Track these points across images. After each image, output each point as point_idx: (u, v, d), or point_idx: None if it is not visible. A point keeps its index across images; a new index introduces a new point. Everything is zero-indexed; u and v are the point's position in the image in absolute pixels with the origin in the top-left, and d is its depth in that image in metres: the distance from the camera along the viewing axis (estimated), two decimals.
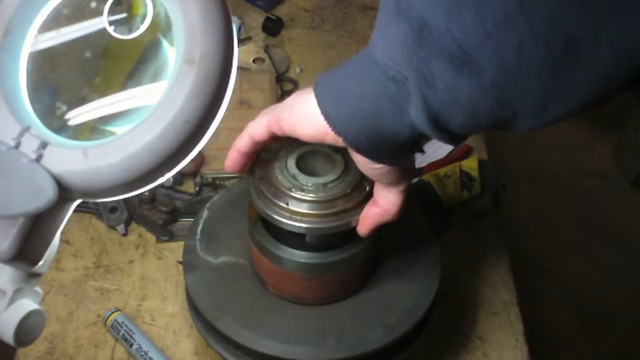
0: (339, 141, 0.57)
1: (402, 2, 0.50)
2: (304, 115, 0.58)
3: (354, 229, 0.67)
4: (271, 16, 1.23)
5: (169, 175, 0.52)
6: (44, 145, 0.51)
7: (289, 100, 0.61)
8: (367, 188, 0.67)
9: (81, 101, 0.54)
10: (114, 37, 0.54)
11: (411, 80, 0.50)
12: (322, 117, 0.56)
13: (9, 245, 0.51)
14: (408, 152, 0.59)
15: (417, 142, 0.56)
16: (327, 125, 0.56)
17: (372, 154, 0.58)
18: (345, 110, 0.55)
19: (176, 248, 0.92)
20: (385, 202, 0.64)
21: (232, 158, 0.66)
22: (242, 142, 0.65)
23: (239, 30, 1.21)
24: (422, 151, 0.61)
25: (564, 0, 0.44)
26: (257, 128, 0.63)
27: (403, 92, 0.52)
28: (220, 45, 0.51)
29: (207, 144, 0.53)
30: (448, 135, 0.53)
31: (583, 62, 0.46)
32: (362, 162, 0.59)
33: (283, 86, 1.13)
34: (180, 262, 0.89)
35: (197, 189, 0.96)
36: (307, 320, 0.72)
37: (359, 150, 0.57)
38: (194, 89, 0.50)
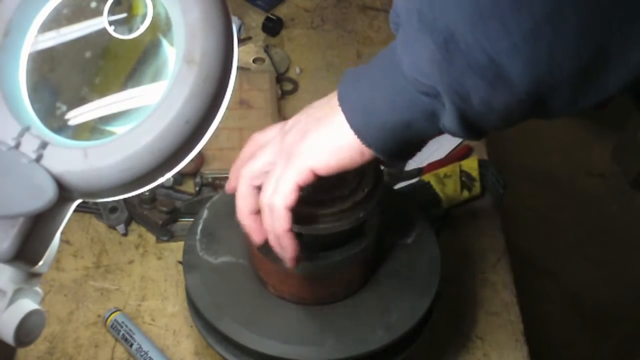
0: (371, 156, 0.56)
1: (425, 15, 0.49)
2: (345, 149, 0.56)
3: (354, 229, 0.67)
4: (271, 16, 1.23)
5: (169, 175, 0.52)
6: (44, 145, 0.51)
7: (309, 144, 0.57)
8: (367, 189, 0.67)
9: (81, 101, 0.54)
10: (114, 37, 0.54)
11: (444, 95, 0.50)
12: (352, 140, 0.55)
13: (9, 245, 0.51)
14: (424, 145, 0.59)
15: None
16: (361, 146, 0.55)
17: (400, 157, 0.58)
18: (375, 123, 0.54)
19: (176, 248, 0.92)
20: None
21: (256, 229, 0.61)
22: (284, 222, 0.58)
23: (239, 30, 1.21)
24: None
25: (594, 7, 0.44)
26: (291, 197, 0.57)
27: (436, 103, 0.51)
28: (220, 45, 0.51)
29: (207, 144, 0.53)
30: (479, 135, 0.53)
31: (613, 62, 0.46)
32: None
33: (283, 86, 1.13)
34: (180, 262, 0.89)
35: (197, 189, 0.96)
36: (307, 320, 0.72)
37: (389, 158, 0.57)
38: (194, 89, 0.50)
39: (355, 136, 0.55)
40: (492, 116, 0.50)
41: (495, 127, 0.52)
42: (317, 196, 0.66)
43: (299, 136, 0.58)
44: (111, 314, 0.84)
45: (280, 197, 0.57)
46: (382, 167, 0.70)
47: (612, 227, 2.15)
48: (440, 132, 0.54)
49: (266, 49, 1.17)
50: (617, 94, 0.48)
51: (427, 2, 0.49)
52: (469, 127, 0.52)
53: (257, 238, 0.61)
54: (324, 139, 0.56)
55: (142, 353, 0.81)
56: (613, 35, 0.45)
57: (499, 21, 0.45)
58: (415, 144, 0.57)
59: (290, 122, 0.60)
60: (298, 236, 0.68)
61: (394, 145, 0.56)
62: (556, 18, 0.44)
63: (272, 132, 0.62)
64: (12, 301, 0.55)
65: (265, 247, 0.70)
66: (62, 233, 0.55)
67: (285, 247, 0.60)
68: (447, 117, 0.51)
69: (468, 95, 0.49)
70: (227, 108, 0.53)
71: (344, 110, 0.55)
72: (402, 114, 0.53)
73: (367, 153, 0.56)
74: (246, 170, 0.60)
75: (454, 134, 0.53)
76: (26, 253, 0.52)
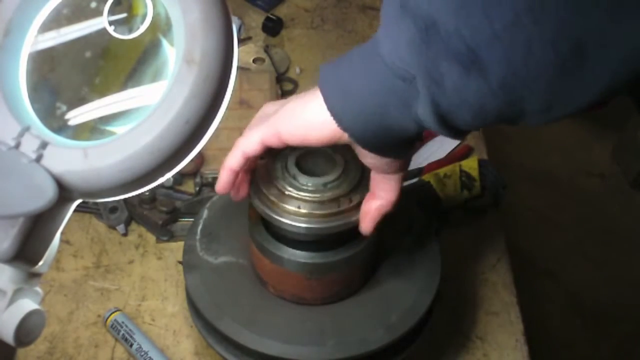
0: (344, 141, 0.57)
1: (408, 1, 0.49)
2: (312, 122, 0.58)
3: (354, 228, 0.67)
4: (271, 16, 1.23)
5: (169, 175, 0.52)
6: (44, 145, 0.51)
7: (284, 111, 0.60)
8: (367, 188, 0.67)
9: (81, 101, 0.54)
10: (114, 37, 0.54)
11: (419, 80, 0.50)
12: (327, 119, 0.56)
13: (9, 245, 0.51)
14: (412, 145, 0.59)
15: (421, 135, 0.57)
16: (334, 127, 0.56)
17: (378, 149, 0.58)
18: (352, 106, 0.55)
19: (176, 248, 0.92)
20: (384, 193, 0.64)
21: (225, 179, 0.64)
22: (234, 160, 0.63)
23: (239, 30, 1.21)
24: (421, 139, 0.61)
25: (574, 1, 0.44)
26: (250, 144, 0.62)
27: (411, 89, 0.52)
28: (220, 45, 0.51)
29: (207, 144, 0.53)
30: (454, 131, 0.53)
31: (590, 64, 0.46)
32: (364, 154, 0.59)
33: (283, 86, 1.13)
34: (180, 262, 0.89)
35: (197, 189, 0.96)
36: (307, 320, 0.72)
37: (366, 146, 0.58)
38: (194, 89, 0.50)
39: (331, 117, 0.56)
40: (466, 108, 0.50)
41: (470, 123, 0.52)
42: (317, 196, 0.66)
43: (281, 105, 0.61)
44: (111, 314, 0.84)
45: (243, 141, 0.62)
46: None
47: (612, 227, 2.15)
48: (419, 128, 0.54)
49: (266, 49, 1.17)
50: (594, 103, 0.48)
51: None
52: (442, 118, 0.51)
53: (222, 185, 0.65)
54: (298, 111, 0.59)
55: (142, 353, 0.81)
56: (592, 33, 0.45)
57: (482, 11, 0.46)
58: (397, 138, 0.57)
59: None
60: (299, 236, 0.68)
61: (371, 134, 0.56)
62: (537, 9, 0.44)
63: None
64: (12, 301, 0.55)
65: (266, 247, 0.71)
66: (62, 233, 0.55)
67: (220, 179, 0.64)
68: (421, 105, 0.51)
69: (442, 80, 0.49)
70: (227, 108, 0.53)
71: (322, 92, 0.56)
72: (377, 100, 0.53)
73: (341, 136, 0.57)
74: (236, 146, 0.64)
75: (428, 126, 0.52)
76: (26, 253, 0.52)
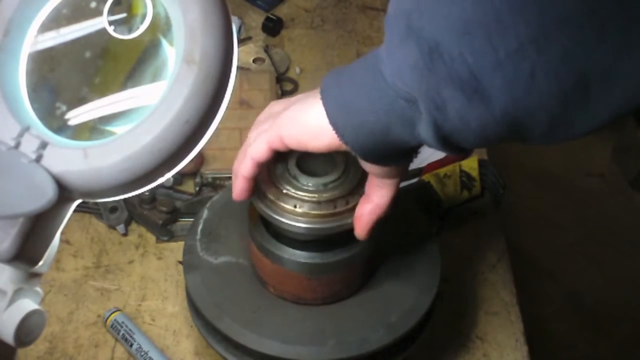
0: (345, 149, 0.57)
1: (413, 22, 0.49)
2: (311, 129, 0.58)
3: (353, 229, 0.67)
4: (271, 16, 1.23)
5: (169, 175, 0.52)
6: (43, 145, 0.51)
7: (287, 115, 0.60)
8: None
9: (81, 101, 0.54)
10: (114, 37, 0.54)
11: (421, 104, 0.50)
12: (326, 126, 0.56)
13: (9, 245, 0.51)
14: (414, 154, 0.59)
15: (421, 145, 0.57)
16: (333, 135, 0.56)
17: (379, 160, 0.58)
18: (354, 122, 0.55)
19: (176, 248, 0.92)
20: (378, 197, 0.64)
21: (240, 187, 0.65)
22: (247, 169, 0.63)
23: (239, 30, 1.21)
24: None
25: (579, 34, 0.43)
26: (259, 151, 0.62)
27: (413, 109, 0.51)
28: (220, 45, 0.51)
29: (207, 144, 0.52)
30: (457, 150, 0.53)
31: (594, 97, 0.45)
32: (364, 162, 0.59)
33: (283, 86, 1.13)
34: (180, 262, 0.89)
35: (197, 189, 0.96)
36: (307, 320, 0.72)
37: (367, 158, 0.58)
38: (194, 89, 0.49)
39: (331, 127, 0.56)
40: (468, 132, 0.50)
41: (473, 144, 0.52)
42: (315, 196, 0.66)
43: (285, 107, 0.62)
44: (111, 314, 0.84)
45: (252, 149, 0.62)
46: None
47: (612, 227, 2.15)
48: (420, 143, 0.54)
49: (266, 49, 1.17)
50: (596, 131, 0.48)
51: (417, 9, 0.49)
52: (445, 139, 0.51)
53: (239, 193, 0.66)
54: (300, 117, 0.59)
55: (142, 353, 0.81)
56: (596, 67, 0.44)
57: (486, 38, 0.45)
58: (398, 151, 0.57)
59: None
60: (299, 236, 0.68)
61: (372, 147, 0.56)
62: (541, 40, 0.44)
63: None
64: (12, 301, 0.55)
65: (266, 247, 0.71)
66: (62, 233, 0.55)
67: (235, 187, 0.65)
68: (423, 126, 0.51)
69: (444, 106, 0.49)
70: (227, 108, 0.53)
71: (324, 104, 0.56)
72: (379, 117, 0.53)
73: (340, 145, 0.57)
74: (245, 154, 0.64)
75: (430, 145, 0.52)
76: (26, 253, 0.52)
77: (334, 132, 0.56)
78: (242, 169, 0.64)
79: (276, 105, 0.65)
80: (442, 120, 0.50)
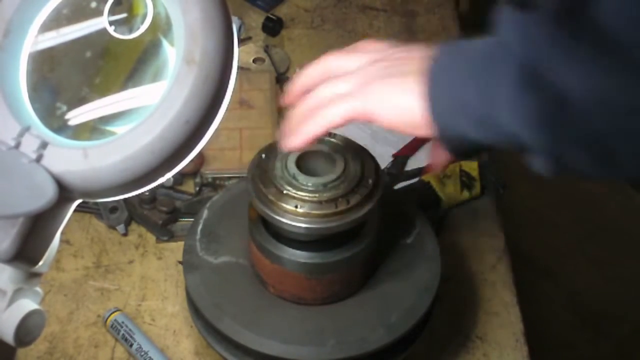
0: (426, 134, 0.55)
1: (540, 70, 0.46)
2: (398, 108, 0.55)
3: (354, 229, 0.67)
4: (271, 16, 1.23)
5: (169, 175, 0.52)
6: (44, 145, 0.51)
7: (379, 89, 0.56)
8: (367, 188, 0.67)
9: (81, 101, 0.54)
10: (114, 37, 0.54)
11: (541, 153, 0.50)
12: (419, 114, 0.53)
13: (9, 245, 0.51)
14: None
15: None
16: (423, 124, 0.54)
17: (458, 154, 0.57)
18: (459, 127, 0.53)
19: (176, 248, 0.92)
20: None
21: (303, 143, 0.58)
22: (317, 131, 0.58)
23: (239, 30, 1.21)
24: None
25: None
26: (335, 120, 0.57)
27: (526, 146, 0.50)
28: (220, 45, 0.51)
29: (207, 144, 0.53)
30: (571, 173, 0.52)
31: None
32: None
33: (283, 86, 1.13)
34: (180, 262, 0.89)
35: (197, 189, 0.96)
36: (307, 320, 0.72)
37: (451, 150, 0.56)
38: (194, 89, 0.49)
39: (427, 113, 0.53)
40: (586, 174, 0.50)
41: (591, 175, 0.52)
42: (315, 196, 0.66)
43: (382, 75, 0.57)
44: (111, 314, 0.84)
45: (330, 113, 0.57)
46: (382, 168, 0.70)
47: (612, 227, 2.15)
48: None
49: (266, 49, 1.17)
50: None
51: (546, 64, 0.46)
52: (563, 171, 0.50)
53: (299, 143, 0.59)
54: (397, 99, 0.55)
55: (142, 353, 0.81)
56: None
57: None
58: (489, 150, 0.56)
59: (378, 54, 0.59)
60: (299, 236, 0.68)
61: (465, 150, 0.56)
62: None
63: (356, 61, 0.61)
64: (12, 301, 0.55)
65: (265, 247, 0.71)
66: (62, 233, 0.55)
67: (296, 140, 0.59)
68: (538, 163, 0.50)
69: (565, 162, 0.49)
70: (227, 108, 0.53)
71: (430, 98, 0.53)
72: (486, 136, 0.52)
73: (426, 131, 0.55)
74: (330, 60, 0.61)
75: (540, 173, 0.51)
76: (26, 253, 0.52)
77: (421, 118, 0.54)
78: (312, 128, 0.58)
79: (370, 53, 0.60)
80: (559, 170, 0.49)
